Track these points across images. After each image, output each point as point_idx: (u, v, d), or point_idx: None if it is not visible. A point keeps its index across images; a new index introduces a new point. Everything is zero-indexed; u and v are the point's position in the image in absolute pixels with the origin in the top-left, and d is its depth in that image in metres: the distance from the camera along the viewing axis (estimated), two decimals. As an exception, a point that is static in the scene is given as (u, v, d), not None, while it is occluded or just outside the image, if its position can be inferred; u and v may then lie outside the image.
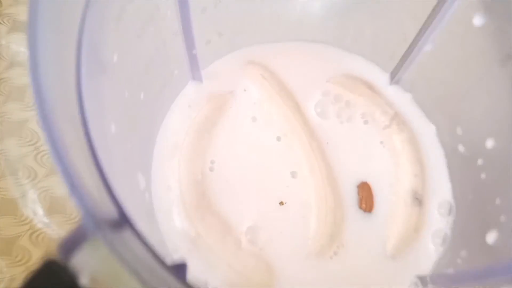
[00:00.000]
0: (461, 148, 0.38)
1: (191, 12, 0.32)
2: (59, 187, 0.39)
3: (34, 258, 0.37)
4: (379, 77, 0.43)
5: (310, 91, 0.42)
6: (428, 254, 0.37)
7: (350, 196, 0.38)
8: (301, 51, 0.44)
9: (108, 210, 0.18)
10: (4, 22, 0.45)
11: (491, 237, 0.31)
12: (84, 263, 0.16)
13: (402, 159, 0.39)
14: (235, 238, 0.36)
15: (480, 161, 0.35)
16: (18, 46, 0.44)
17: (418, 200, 0.38)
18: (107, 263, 0.16)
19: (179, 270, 0.18)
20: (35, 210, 0.38)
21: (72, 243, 0.16)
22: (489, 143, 0.34)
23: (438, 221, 0.38)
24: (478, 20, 0.33)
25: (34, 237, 0.37)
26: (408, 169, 0.39)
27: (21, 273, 0.36)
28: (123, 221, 0.18)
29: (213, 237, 0.36)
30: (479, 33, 0.33)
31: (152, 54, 0.31)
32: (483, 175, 0.35)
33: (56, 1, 0.19)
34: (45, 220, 0.38)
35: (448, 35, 0.36)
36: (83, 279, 0.16)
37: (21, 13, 0.46)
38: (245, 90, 0.42)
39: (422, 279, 0.36)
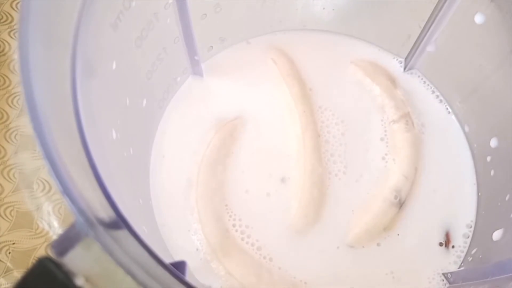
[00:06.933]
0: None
1: (191, 19, 0.32)
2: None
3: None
4: (394, 64, 0.42)
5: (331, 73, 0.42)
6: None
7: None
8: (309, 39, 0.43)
9: (103, 211, 0.18)
10: (15, 71, 0.44)
11: (498, 234, 0.30)
12: (77, 262, 0.16)
13: (399, 157, 0.38)
14: (266, 268, 0.34)
15: (489, 158, 0.35)
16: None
17: (399, 201, 0.36)
18: (100, 263, 0.16)
19: (179, 268, 0.18)
20: (50, 223, 0.38)
21: (65, 243, 0.17)
22: (494, 142, 0.34)
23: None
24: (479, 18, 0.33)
25: (50, 250, 0.37)
26: (401, 168, 0.38)
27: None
28: (119, 222, 0.18)
29: (244, 273, 0.34)
30: (483, 29, 0.33)
31: (153, 61, 0.31)
32: (492, 172, 0.34)
33: (48, 9, 0.19)
34: (60, 233, 0.38)
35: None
36: (77, 279, 0.16)
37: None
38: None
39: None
